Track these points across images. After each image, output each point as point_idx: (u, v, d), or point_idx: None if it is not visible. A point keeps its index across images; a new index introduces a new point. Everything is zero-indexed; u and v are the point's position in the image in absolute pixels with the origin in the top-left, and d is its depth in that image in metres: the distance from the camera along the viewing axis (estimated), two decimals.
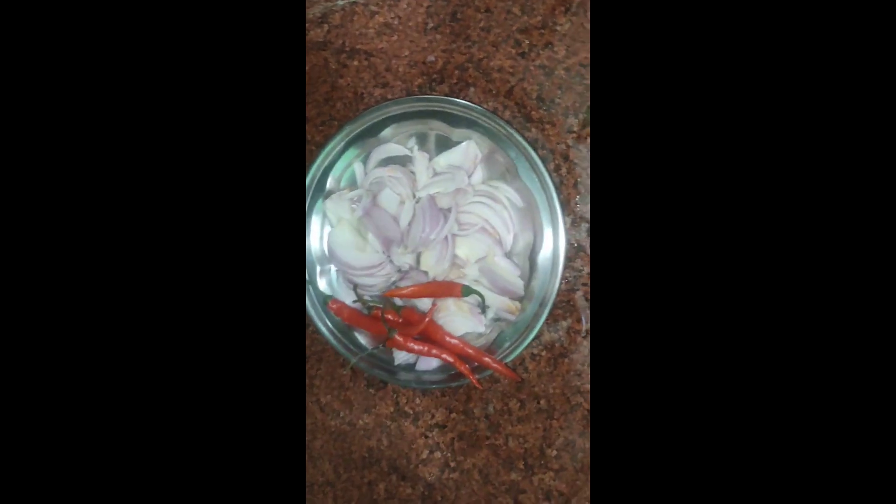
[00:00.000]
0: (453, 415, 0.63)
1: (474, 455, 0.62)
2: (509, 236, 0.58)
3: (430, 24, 0.61)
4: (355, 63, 0.64)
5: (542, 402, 0.59)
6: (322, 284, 0.63)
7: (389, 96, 0.63)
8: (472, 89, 0.60)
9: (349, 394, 0.67)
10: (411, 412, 0.64)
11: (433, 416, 0.64)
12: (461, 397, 0.62)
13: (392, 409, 0.65)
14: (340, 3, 0.63)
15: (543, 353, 0.59)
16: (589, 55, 0.56)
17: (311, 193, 0.61)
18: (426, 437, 0.64)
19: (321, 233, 0.63)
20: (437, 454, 0.64)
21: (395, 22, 0.62)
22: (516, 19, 0.58)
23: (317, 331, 0.64)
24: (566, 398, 0.58)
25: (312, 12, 0.64)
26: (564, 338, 0.58)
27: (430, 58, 0.61)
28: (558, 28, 0.57)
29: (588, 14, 0.56)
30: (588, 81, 0.56)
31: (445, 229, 0.56)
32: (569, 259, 0.57)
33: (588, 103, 0.56)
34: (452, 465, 0.63)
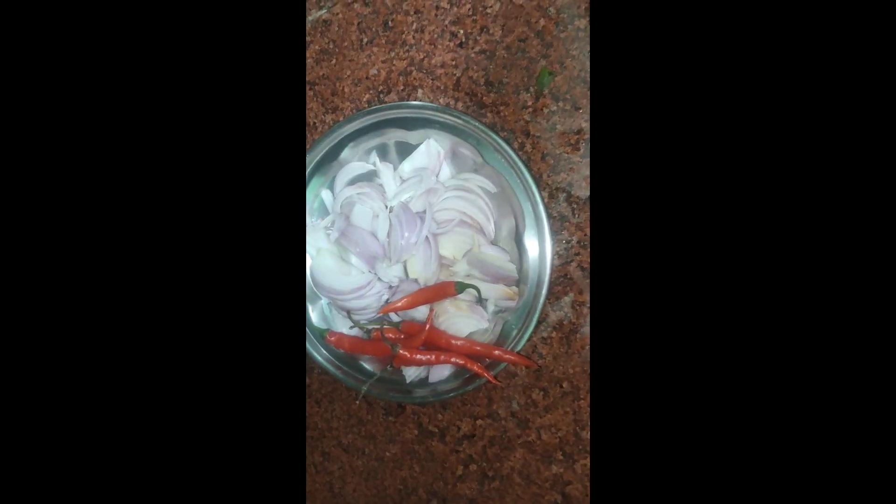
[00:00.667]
0: (479, 421, 0.60)
1: (510, 458, 0.59)
2: (490, 224, 0.56)
3: (365, 39, 0.61)
4: None
5: (566, 384, 0.57)
6: (315, 318, 0.61)
7: (341, 119, 0.62)
8: (419, 91, 0.60)
9: (370, 427, 0.64)
10: (436, 430, 0.62)
11: (459, 429, 0.61)
12: (482, 401, 0.59)
13: (416, 431, 0.62)
14: None
15: (554, 335, 0.57)
16: (525, 29, 0.56)
17: None
18: (457, 451, 0.61)
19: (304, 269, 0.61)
20: (473, 466, 0.61)
21: (331, 46, 0.62)
22: (446, 12, 0.58)
23: (323, 371, 0.62)
24: (588, 374, 0.56)
25: None
26: (571, 313, 0.56)
27: (373, 71, 0.61)
28: (489, 10, 0.57)
29: None
30: (531, 55, 0.56)
31: (424, 229, 0.54)
32: (555, 232, 0.56)
33: (536, 75, 0.56)
34: (490, 473, 0.60)
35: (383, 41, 0.61)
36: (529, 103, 0.56)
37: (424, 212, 0.55)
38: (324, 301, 0.61)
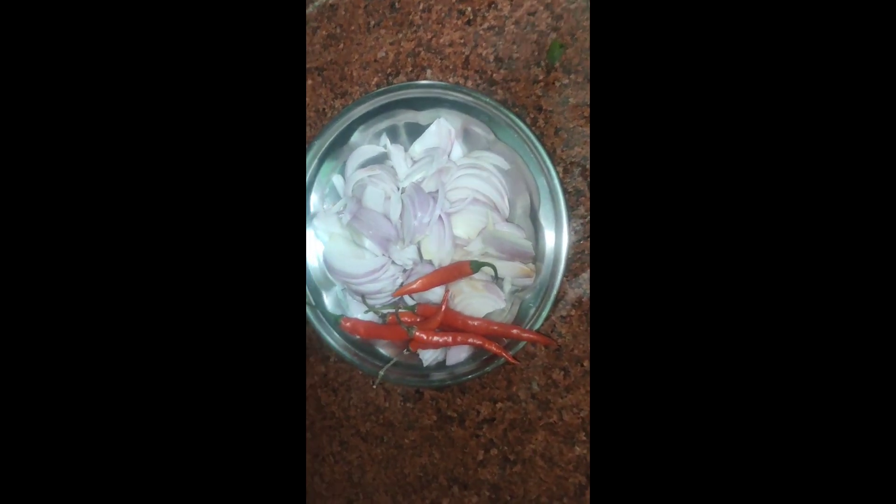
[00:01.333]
0: (499, 404, 0.59)
1: (532, 440, 0.58)
2: (504, 201, 0.55)
3: (372, 22, 0.61)
4: (309, 82, 0.63)
5: (586, 363, 0.55)
6: (329, 305, 0.60)
7: (351, 103, 0.62)
8: (428, 71, 0.59)
9: (387, 414, 0.63)
10: (455, 414, 0.60)
11: (479, 413, 0.60)
12: (502, 383, 0.58)
13: (435, 417, 0.61)
14: None
15: (573, 312, 0.55)
16: (535, 2, 0.55)
17: None
18: (477, 436, 0.60)
19: (317, 255, 0.61)
20: (494, 451, 0.59)
21: (338, 31, 0.62)
22: None
23: (339, 358, 0.61)
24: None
25: None
26: (589, 290, 0.55)
27: (381, 54, 0.60)
28: None
29: None
30: (541, 28, 0.55)
31: (437, 209, 0.53)
32: (571, 208, 0.55)
33: (547, 49, 0.55)
34: (512, 457, 0.59)
35: (390, 23, 0.60)
36: (541, 77, 0.55)
37: (437, 192, 0.55)
38: (338, 287, 0.61)
